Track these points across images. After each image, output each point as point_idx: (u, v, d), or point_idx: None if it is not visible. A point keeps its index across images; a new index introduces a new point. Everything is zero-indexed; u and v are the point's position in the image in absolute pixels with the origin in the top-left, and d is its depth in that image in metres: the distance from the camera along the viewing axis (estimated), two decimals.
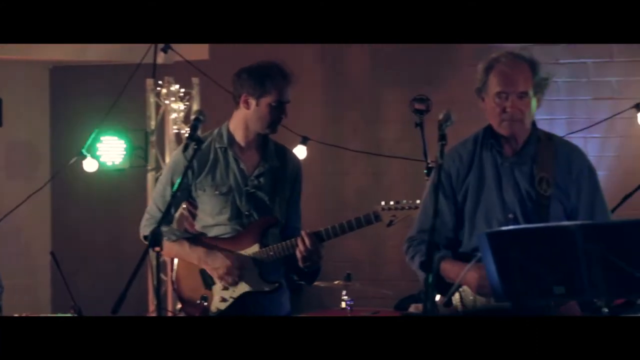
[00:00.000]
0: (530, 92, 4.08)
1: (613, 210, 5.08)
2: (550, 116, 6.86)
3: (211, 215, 4.64)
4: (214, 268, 4.57)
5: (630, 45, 6.75)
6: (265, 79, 4.52)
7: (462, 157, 4.22)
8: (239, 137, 4.64)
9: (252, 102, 4.55)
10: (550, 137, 4.22)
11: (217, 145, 4.63)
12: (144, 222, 4.69)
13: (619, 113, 6.90)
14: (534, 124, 4.19)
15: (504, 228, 3.90)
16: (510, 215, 4.10)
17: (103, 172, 7.19)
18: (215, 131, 4.68)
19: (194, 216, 4.71)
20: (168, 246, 4.51)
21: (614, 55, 7.06)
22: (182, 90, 7.21)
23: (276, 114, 4.55)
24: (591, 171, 4.18)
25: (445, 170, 4.18)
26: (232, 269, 4.54)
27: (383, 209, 4.54)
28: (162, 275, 6.29)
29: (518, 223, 4.07)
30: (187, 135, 4.45)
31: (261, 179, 4.62)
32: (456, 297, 4.12)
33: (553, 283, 3.57)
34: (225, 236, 4.61)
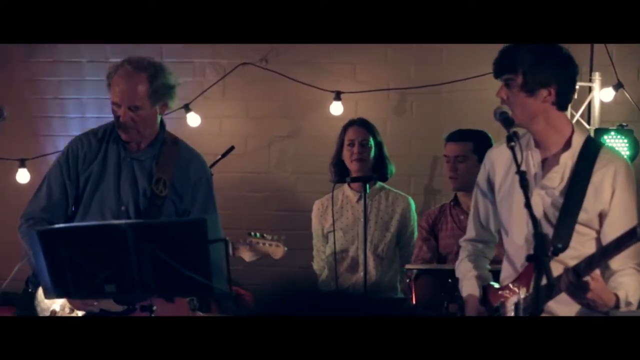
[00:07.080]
0: (147, 104, 4.20)
1: None
2: None
3: None
4: None
5: None
6: None
7: (91, 143, 4.35)
8: None
9: None
10: (176, 141, 4.40)
11: None
12: None
13: None
14: (162, 126, 4.35)
15: (56, 226, 3.92)
16: (123, 208, 4.25)
17: None
18: None
19: None
20: None
21: None
22: None
23: None
24: (208, 179, 4.41)
25: (73, 153, 4.32)
26: None
27: None
28: None
29: (129, 216, 4.21)
30: None
31: None
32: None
33: (105, 281, 3.60)
34: None
